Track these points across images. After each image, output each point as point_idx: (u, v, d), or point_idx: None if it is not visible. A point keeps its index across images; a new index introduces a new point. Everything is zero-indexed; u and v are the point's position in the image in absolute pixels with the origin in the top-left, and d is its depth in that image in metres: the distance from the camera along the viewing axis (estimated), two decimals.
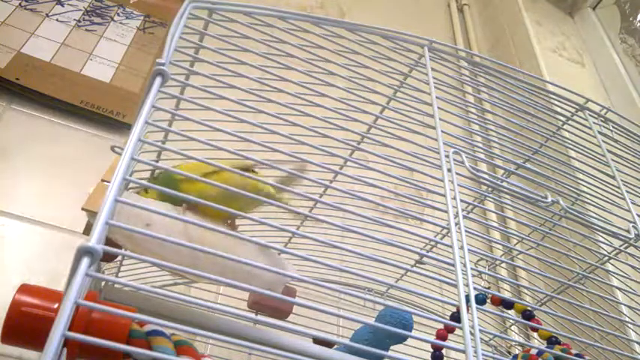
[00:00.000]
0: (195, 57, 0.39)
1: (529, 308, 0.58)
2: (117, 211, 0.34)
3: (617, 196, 0.49)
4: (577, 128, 0.53)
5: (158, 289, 0.29)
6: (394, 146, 0.41)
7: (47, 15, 0.94)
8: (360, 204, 0.40)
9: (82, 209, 0.36)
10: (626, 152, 0.53)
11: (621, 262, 0.48)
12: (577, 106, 0.53)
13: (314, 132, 0.38)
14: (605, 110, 0.54)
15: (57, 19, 0.94)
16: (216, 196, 0.33)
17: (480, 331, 0.30)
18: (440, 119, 0.41)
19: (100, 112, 0.85)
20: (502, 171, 0.53)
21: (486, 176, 0.44)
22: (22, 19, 0.90)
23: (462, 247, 0.33)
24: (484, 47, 1.52)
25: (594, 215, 0.49)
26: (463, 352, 0.28)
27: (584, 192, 0.51)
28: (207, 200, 0.30)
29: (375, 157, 0.39)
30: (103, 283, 0.41)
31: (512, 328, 0.81)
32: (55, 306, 0.27)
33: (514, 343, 0.73)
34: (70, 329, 0.21)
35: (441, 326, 0.58)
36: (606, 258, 0.50)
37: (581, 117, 0.53)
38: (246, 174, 0.34)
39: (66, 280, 0.24)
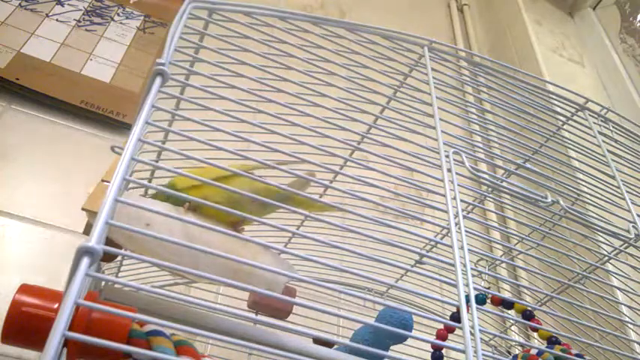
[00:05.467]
0: (195, 57, 0.39)
1: (529, 308, 0.58)
2: (117, 211, 0.34)
3: (617, 196, 0.49)
4: (577, 128, 0.53)
5: (158, 289, 0.29)
6: (394, 146, 0.40)
7: (47, 15, 0.94)
8: (360, 204, 0.40)
9: (82, 209, 0.36)
10: (626, 152, 0.53)
11: (621, 262, 0.48)
12: (577, 106, 0.53)
13: (314, 132, 0.38)
14: (605, 110, 0.54)
15: (57, 19, 0.94)
16: (222, 203, 0.32)
17: (480, 331, 0.30)
18: (440, 119, 0.41)
19: (100, 112, 0.85)
20: (502, 171, 0.53)
21: (486, 176, 0.44)
22: (22, 19, 0.90)
23: (462, 247, 0.33)
24: (484, 47, 1.52)
25: (594, 215, 0.49)
26: (463, 352, 0.28)
27: (584, 192, 0.51)
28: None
29: (375, 157, 0.39)
30: (103, 283, 0.41)
31: (512, 328, 0.81)
32: (55, 306, 0.27)
33: (514, 343, 0.73)
34: (70, 329, 0.21)
35: (441, 326, 0.58)
36: (606, 258, 0.50)
37: (581, 117, 0.53)
38: (256, 177, 0.34)
39: (66, 280, 0.24)
